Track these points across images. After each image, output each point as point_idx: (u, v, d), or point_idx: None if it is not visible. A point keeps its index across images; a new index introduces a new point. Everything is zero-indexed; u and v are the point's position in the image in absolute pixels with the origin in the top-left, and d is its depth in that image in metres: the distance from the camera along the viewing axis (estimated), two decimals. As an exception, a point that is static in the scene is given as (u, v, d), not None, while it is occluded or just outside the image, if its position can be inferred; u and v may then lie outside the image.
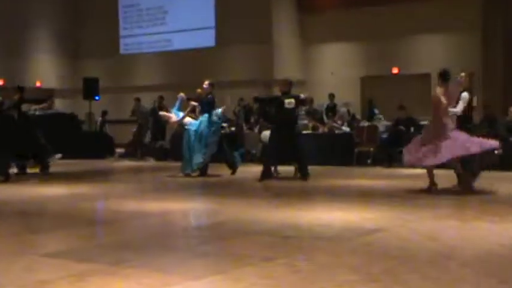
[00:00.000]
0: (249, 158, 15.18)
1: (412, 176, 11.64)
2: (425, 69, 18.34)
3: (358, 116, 17.38)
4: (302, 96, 11.55)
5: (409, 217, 7.00)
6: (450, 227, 6.47)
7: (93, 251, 5.47)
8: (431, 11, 18.45)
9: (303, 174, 11.10)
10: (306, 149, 11.65)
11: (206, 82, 12.25)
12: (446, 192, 9.22)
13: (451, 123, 9.03)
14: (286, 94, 11.15)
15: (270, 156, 11.26)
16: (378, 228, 6.26)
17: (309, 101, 11.56)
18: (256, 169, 11.71)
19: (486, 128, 12.58)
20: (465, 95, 9.43)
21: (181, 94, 12.48)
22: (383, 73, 19.41)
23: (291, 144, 10.89)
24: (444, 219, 6.94)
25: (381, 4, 19.14)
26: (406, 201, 8.38)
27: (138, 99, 18.66)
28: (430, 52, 18.66)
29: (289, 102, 11.00)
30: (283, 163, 11.85)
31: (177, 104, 12.48)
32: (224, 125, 16.43)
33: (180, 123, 12.30)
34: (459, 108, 9.38)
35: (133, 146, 18.21)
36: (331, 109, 17.08)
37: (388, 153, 14.07)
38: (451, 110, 9.20)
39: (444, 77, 9.19)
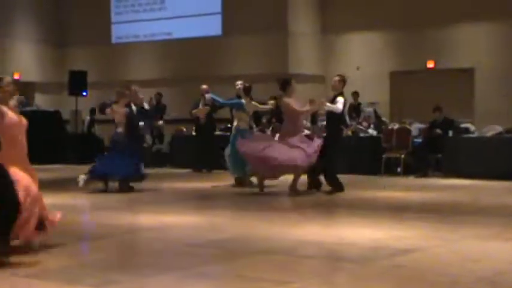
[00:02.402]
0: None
1: (451, 187, 11.56)
2: (467, 64, 18.20)
3: (385, 119, 17.17)
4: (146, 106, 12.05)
5: (448, 236, 6.92)
6: (495, 248, 6.38)
7: (78, 271, 5.44)
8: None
9: None
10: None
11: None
12: (490, 207, 9.17)
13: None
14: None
15: None
16: (411, 248, 6.19)
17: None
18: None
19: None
20: (340, 99, 10.58)
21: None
22: (416, 67, 19.27)
23: None
24: (490, 239, 6.85)
25: (415, -13, 19.04)
26: (444, 217, 8.31)
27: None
28: (473, 43, 18.51)
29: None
30: None
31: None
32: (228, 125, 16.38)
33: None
34: (339, 106, 10.50)
35: None
36: (355, 109, 16.99)
37: (423, 160, 13.99)
38: (331, 106, 10.51)
39: (281, 86, 10.66)
